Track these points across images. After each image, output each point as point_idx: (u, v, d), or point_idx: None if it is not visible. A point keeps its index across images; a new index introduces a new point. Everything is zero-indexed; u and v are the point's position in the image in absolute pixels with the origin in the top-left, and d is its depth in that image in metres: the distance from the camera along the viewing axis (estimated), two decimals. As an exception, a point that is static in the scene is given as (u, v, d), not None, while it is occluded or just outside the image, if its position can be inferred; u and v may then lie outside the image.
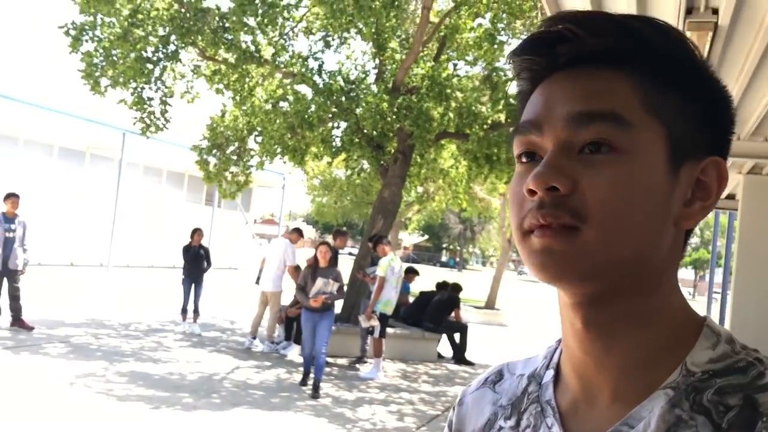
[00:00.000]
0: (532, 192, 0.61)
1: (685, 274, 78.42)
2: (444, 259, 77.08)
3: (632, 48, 0.63)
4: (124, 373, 7.66)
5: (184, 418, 6.25)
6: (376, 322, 9.15)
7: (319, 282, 7.61)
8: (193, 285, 10.84)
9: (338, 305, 9.57)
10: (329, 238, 10.89)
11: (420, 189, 17.72)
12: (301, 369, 8.98)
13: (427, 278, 17.63)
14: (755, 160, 6.82)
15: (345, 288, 7.95)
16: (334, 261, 9.68)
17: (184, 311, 10.87)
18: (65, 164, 20.85)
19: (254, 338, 10.10)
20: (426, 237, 74.31)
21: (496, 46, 10.51)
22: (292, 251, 10.10)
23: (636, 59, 0.63)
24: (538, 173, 0.60)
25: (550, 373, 0.73)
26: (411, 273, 12.50)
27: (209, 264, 11.17)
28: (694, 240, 66.73)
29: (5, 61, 17.32)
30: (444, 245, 75.34)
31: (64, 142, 20.71)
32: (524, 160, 0.66)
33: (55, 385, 6.81)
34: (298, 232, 10.74)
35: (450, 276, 43.02)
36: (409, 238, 72.88)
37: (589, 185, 0.60)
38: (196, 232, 11.20)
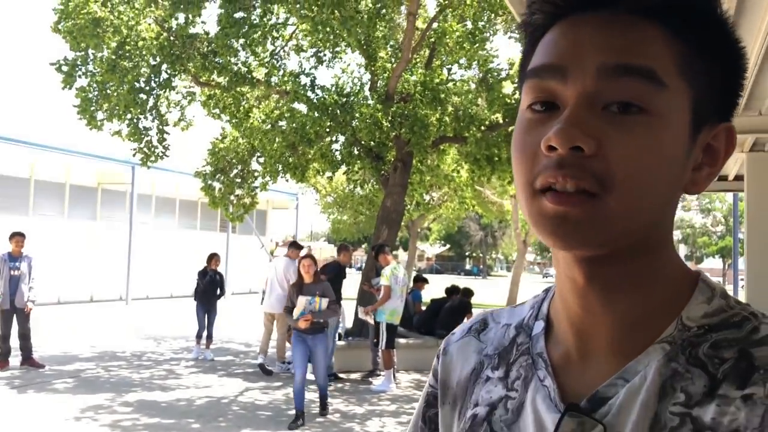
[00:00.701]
0: (551, 148, 0.57)
1: (713, 263, 77.16)
2: (468, 267, 76.70)
3: (666, 3, 0.59)
4: (131, 403, 7.61)
5: (187, 444, 6.17)
6: (370, 320, 9.05)
7: (302, 300, 6.81)
8: (206, 312, 10.76)
9: (336, 321, 9.43)
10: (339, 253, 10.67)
11: (426, 197, 17.62)
12: (312, 387, 8.90)
13: (454, 284, 17.43)
14: (755, 135, 6.63)
15: (338, 305, 7.11)
16: (338, 273, 9.63)
17: (199, 336, 10.80)
18: (78, 201, 21.06)
19: (266, 355, 10.01)
20: (447, 246, 73.99)
21: (477, 45, 10.41)
22: (293, 269, 9.95)
23: (672, 13, 0.59)
24: (563, 130, 0.56)
25: (540, 324, 0.71)
26: (420, 281, 12.36)
27: (223, 291, 11.12)
28: (719, 228, 65.69)
29: (9, 106, 17.60)
30: (467, 253, 74.93)
31: (75, 180, 20.94)
32: (538, 108, 0.61)
33: (60, 420, 6.78)
34: (295, 246, 10.47)
35: (474, 283, 42.72)
36: (431, 248, 72.65)
37: (616, 149, 0.56)
38: (214, 258, 11.14)
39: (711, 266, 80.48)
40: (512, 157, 0.63)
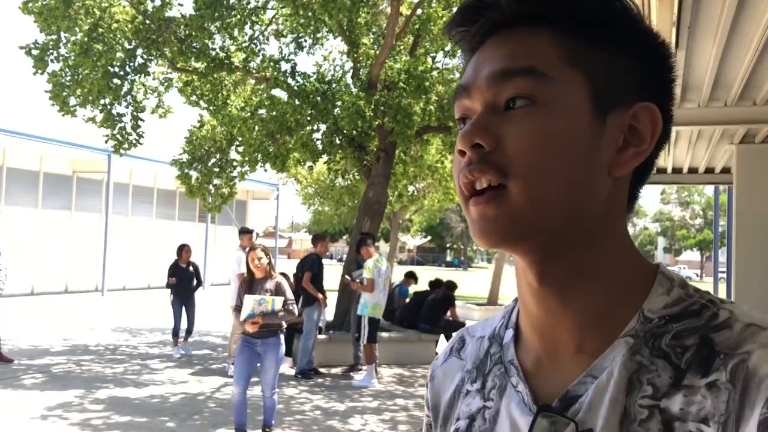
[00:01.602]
0: (462, 152, 0.63)
1: (691, 255, 77.90)
2: (449, 258, 76.73)
3: (555, 8, 0.64)
4: (102, 400, 7.32)
5: (160, 444, 5.91)
6: (353, 284, 8.89)
7: (249, 300, 5.72)
8: (183, 306, 10.25)
9: (317, 315, 9.11)
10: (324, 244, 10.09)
11: (410, 188, 17.36)
12: (292, 382, 8.67)
13: (437, 277, 17.28)
14: (747, 126, 6.49)
15: (294, 305, 5.92)
16: (320, 266, 9.25)
17: (175, 334, 10.23)
18: (52, 190, 20.55)
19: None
20: (429, 238, 73.93)
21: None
22: (235, 261, 9.00)
23: (556, 18, 0.64)
24: (464, 132, 0.63)
25: (510, 332, 0.73)
26: (410, 278, 12.13)
27: (199, 282, 10.64)
28: (698, 221, 66.25)
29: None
30: (448, 245, 74.94)
31: (48, 168, 20.43)
32: (460, 126, 0.67)
33: (25, 419, 6.47)
34: (245, 232, 9.51)
35: (455, 275, 42.74)
36: (412, 240, 72.57)
37: (510, 139, 0.61)
38: (184, 249, 10.55)
39: (690, 258, 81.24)
40: None
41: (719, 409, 0.56)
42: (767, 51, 4.35)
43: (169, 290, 10.42)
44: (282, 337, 5.95)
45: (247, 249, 6.19)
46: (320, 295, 9.05)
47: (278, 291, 5.87)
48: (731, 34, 4.02)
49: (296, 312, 5.90)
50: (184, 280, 10.31)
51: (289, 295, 5.89)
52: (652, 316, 0.63)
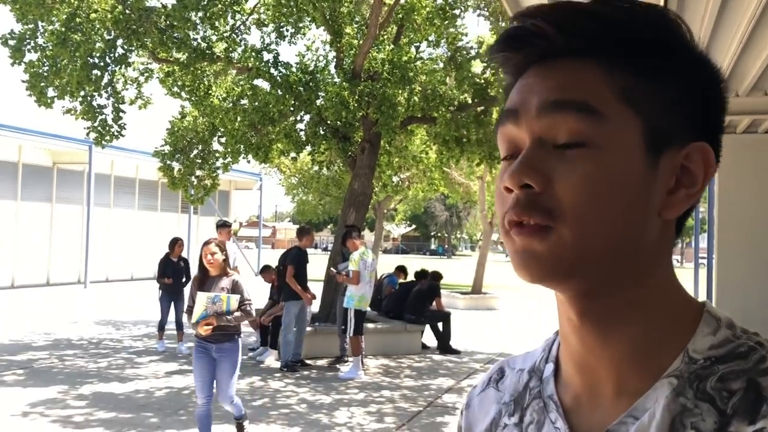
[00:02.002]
0: (508, 189, 0.61)
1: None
2: (433, 247, 76.92)
3: (602, 38, 0.62)
4: (85, 395, 7.25)
5: (145, 440, 5.86)
6: (339, 277, 8.83)
7: (202, 299, 5.12)
8: (172, 301, 9.99)
9: (298, 308, 9.02)
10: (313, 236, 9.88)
11: (395, 178, 17.34)
12: (278, 375, 8.64)
13: (416, 268, 17.32)
14: (729, 117, 6.52)
15: (251, 305, 5.33)
16: (300, 260, 9.13)
17: (161, 328, 10.04)
18: (32, 182, 20.27)
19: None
20: (413, 227, 74.04)
21: (447, 21, 10.13)
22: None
23: (606, 49, 0.62)
24: (513, 170, 0.61)
25: (550, 366, 0.72)
26: (400, 271, 12.08)
27: (188, 278, 10.29)
28: (679, 208, 66.79)
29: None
30: (432, 233, 75.10)
31: (28, 159, 20.14)
32: (506, 157, 0.65)
33: (5, 416, 6.39)
34: (221, 226, 9.22)
35: (440, 263, 42.82)
36: (397, 229, 72.64)
37: (561, 182, 0.60)
38: (177, 243, 10.26)
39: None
40: None
41: None
42: (751, 44, 4.35)
43: (157, 284, 10.21)
44: (240, 341, 5.38)
45: (203, 244, 5.48)
46: (308, 294, 8.97)
47: (234, 289, 5.25)
48: (717, 23, 4.00)
49: (254, 313, 5.35)
50: (175, 275, 10.09)
51: (247, 295, 5.28)
52: (697, 357, 0.61)
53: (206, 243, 5.38)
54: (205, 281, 5.31)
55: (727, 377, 0.59)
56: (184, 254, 10.47)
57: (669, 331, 0.63)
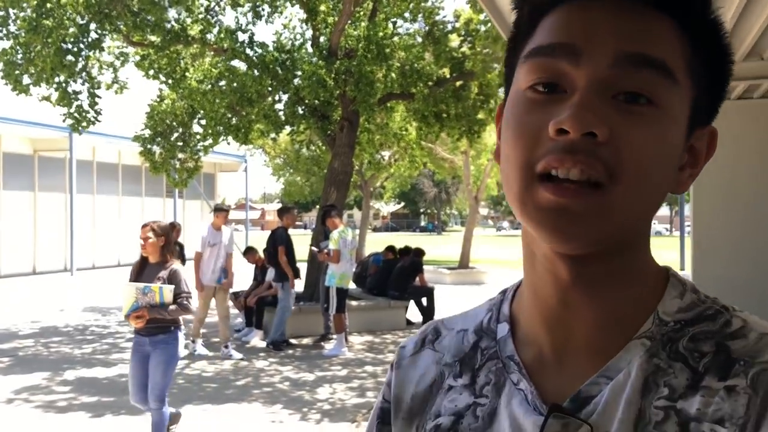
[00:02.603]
0: (561, 131, 0.55)
1: (661, 211, 79.18)
2: (423, 224, 77.06)
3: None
4: (70, 381, 7.29)
5: (128, 423, 5.92)
6: (320, 255, 8.90)
7: (130, 289, 4.66)
8: None
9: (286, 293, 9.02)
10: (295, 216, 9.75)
11: (377, 156, 17.33)
12: (262, 354, 8.71)
13: (406, 245, 17.41)
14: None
15: (189, 299, 4.77)
16: (289, 240, 9.17)
17: None
18: (13, 170, 20.12)
19: (194, 341, 8.63)
20: (402, 204, 74.09)
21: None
22: (198, 236, 8.71)
23: (680, 8, 0.59)
24: (578, 114, 0.55)
25: (504, 326, 0.70)
26: (389, 251, 12.08)
27: (183, 262, 10.30)
28: (666, 177, 67.12)
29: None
30: (421, 210, 75.18)
31: (8, 148, 19.97)
32: (541, 89, 0.59)
33: (-10, 404, 6.43)
34: (218, 210, 9.07)
35: (429, 240, 42.83)
36: (386, 207, 72.65)
37: (625, 139, 0.56)
38: (175, 228, 10.17)
39: (659, 213, 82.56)
40: (507, 136, 0.60)
41: (738, 412, 0.56)
42: (751, 5, 4.25)
43: None
44: (179, 334, 4.84)
45: (142, 226, 4.97)
46: (291, 274, 8.99)
47: (171, 280, 4.72)
48: None
49: (191, 307, 4.79)
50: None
51: (185, 286, 4.74)
52: (667, 319, 0.62)
53: (143, 225, 4.90)
54: (143, 269, 4.84)
55: (698, 338, 0.61)
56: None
57: (642, 295, 0.64)
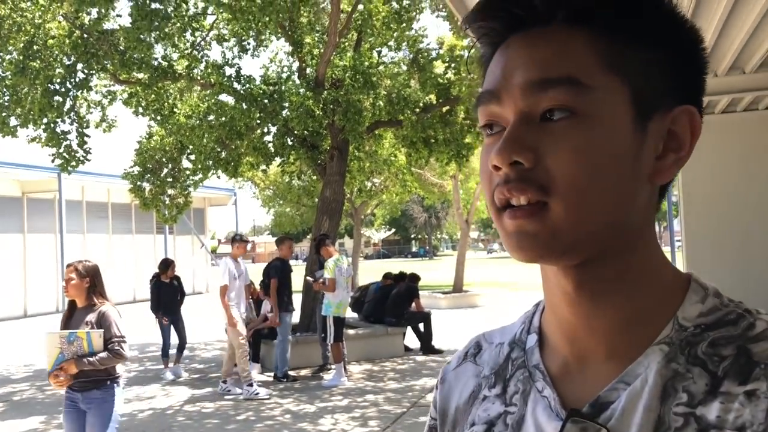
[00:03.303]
0: (496, 167, 0.60)
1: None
2: (414, 249, 77.03)
3: (585, 4, 0.61)
4: (67, 424, 7.18)
5: (129, 463, 5.83)
6: (316, 285, 8.84)
7: (53, 339, 4.06)
8: (171, 323, 9.59)
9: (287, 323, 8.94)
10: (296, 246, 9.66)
11: (368, 183, 17.39)
12: (261, 388, 8.62)
13: (398, 271, 17.35)
14: (707, 98, 6.61)
15: (122, 344, 4.10)
16: (284, 271, 9.13)
17: (165, 355, 9.54)
18: (2, 213, 20.01)
19: (250, 384, 8.22)
20: (393, 231, 74.11)
21: (404, 25, 10.22)
22: (223, 269, 8.37)
23: (591, 15, 0.60)
24: (501, 148, 0.60)
25: (533, 337, 0.72)
26: (386, 278, 12.02)
27: (183, 296, 10.01)
28: (653, 192, 67.49)
29: None
30: (412, 236, 75.20)
31: (-3, 191, 19.90)
32: (488, 132, 0.64)
33: (-12, 450, 6.33)
34: (239, 241, 8.77)
35: (422, 265, 42.81)
36: (377, 234, 72.65)
37: (551, 155, 0.59)
38: (171, 265, 9.89)
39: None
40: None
41: (758, 418, 0.55)
42: (731, 21, 4.34)
43: (152, 310, 9.76)
44: (116, 389, 4.19)
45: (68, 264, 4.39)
46: (276, 317, 8.76)
47: (100, 323, 4.12)
48: (698, 1, 4.00)
49: (125, 353, 4.13)
50: (170, 296, 9.70)
51: (116, 330, 4.12)
52: (686, 324, 0.62)
53: (68, 266, 4.33)
54: (72, 315, 4.27)
55: (718, 342, 0.60)
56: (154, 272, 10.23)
57: (658, 299, 0.64)
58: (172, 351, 9.67)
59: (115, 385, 4.21)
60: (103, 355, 4.01)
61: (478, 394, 0.74)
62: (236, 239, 8.85)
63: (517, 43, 0.62)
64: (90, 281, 4.22)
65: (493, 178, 0.62)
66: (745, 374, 0.58)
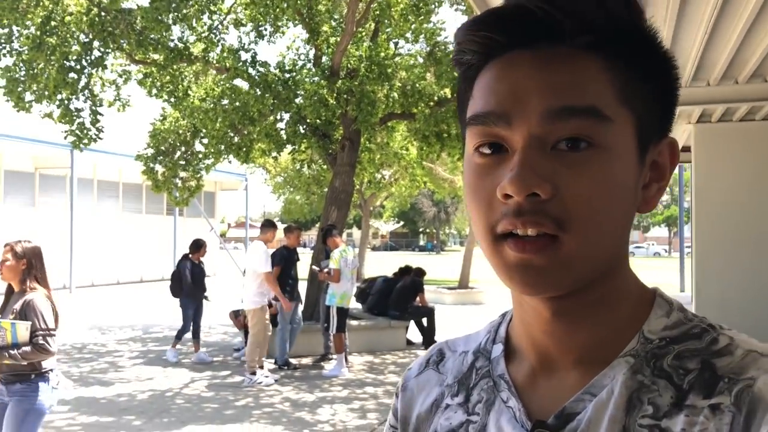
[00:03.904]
0: (508, 196, 0.57)
1: (659, 231, 79.13)
2: (422, 243, 76.99)
3: (606, 32, 0.58)
4: (68, 401, 7.20)
5: (126, 443, 5.85)
6: (321, 275, 8.82)
7: None
8: (197, 307, 9.47)
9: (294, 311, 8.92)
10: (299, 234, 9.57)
11: (378, 175, 17.35)
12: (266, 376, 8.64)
13: (404, 264, 17.34)
14: (702, 107, 6.57)
15: (46, 337, 3.72)
16: (288, 259, 9.09)
17: (179, 338, 9.41)
18: (13, 187, 20.12)
19: (253, 373, 8.18)
20: (401, 223, 74.07)
21: (422, 17, 10.14)
22: (261, 255, 8.41)
23: (610, 42, 0.58)
24: (518, 177, 0.56)
25: (499, 347, 0.71)
26: (404, 274, 11.91)
27: (203, 287, 9.84)
28: (665, 198, 67.31)
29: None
30: (421, 230, 75.15)
31: (9, 165, 19.99)
32: (486, 151, 0.60)
33: (-13, 423, 6.36)
34: (269, 225, 8.71)
35: (429, 259, 42.79)
36: (385, 226, 72.63)
37: (570, 189, 0.56)
38: (202, 247, 9.73)
39: (657, 234, 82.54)
40: (468, 201, 0.62)
41: (722, 431, 0.56)
42: (717, 31, 4.38)
43: (174, 292, 9.63)
44: (41, 385, 3.78)
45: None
46: (284, 300, 8.72)
47: (25, 313, 3.74)
48: (680, 14, 4.04)
49: (50, 348, 3.73)
50: (199, 278, 9.59)
51: (41, 321, 3.74)
52: (652, 337, 0.62)
53: (5, 245, 4.01)
54: (8, 301, 3.92)
55: (683, 355, 0.61)
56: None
57: (627, 316, 0.64)
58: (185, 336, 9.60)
59: (41, 380, 3.79)
60: (27, 348, 3.67)
61: (441, 402, 0.73)
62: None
63: (526, 61, 0.59)
64: (27, 264, 3.87)
65: (496, 205, 0.58)
66: (709, 388, 0.58)
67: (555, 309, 0.62)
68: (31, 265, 3.88)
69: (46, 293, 3.88)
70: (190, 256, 9.74)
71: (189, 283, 9.49)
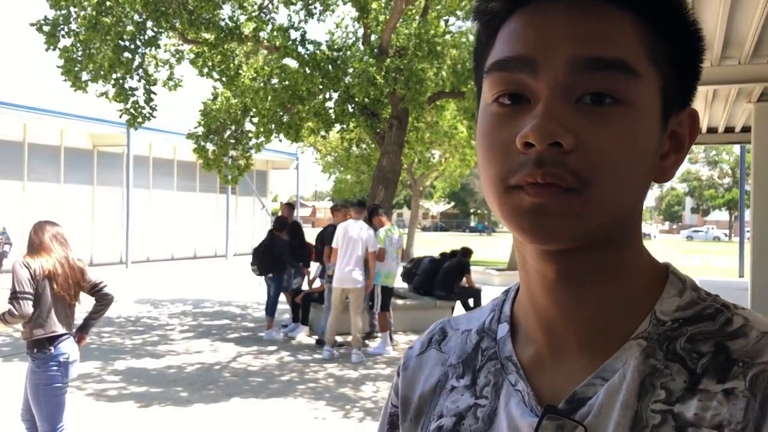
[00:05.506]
0: (528, 144, 0.55)
1: (719, 215, 76.71)
2: (473, 224, 76.56)
3: None
4: (120, 371, 7.46)
5: (174, 414, 6.01)
6: (377, 297, 8.79)
7: None
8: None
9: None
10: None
11: (427, 154, 17.24)
12: (307, 350, 8.75)
13: (454, 245, 17.26)
14: (763, 85, 6.30)
15: (14, 301, 3.73)
16: (328, 246, 9.15)
17: (271, 314, 9.47)
18: (73, 165, 20.79)
19: (333, 346, 8.49)
20: (452, 204, 73.74)
21: (472, -8, 9.93)
22: (372, 234, 8.46)
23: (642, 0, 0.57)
24: (541, 125, 0.54)
25: (505, 327, 0.70)
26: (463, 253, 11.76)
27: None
28: (726, 180, 65.09)
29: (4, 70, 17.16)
30: (471, 210, 74.69)
31: (69, 143, 20.64)
32: (506, 101, 0.58)
33: (44, 390, 6.62)
34: (359, 205, 8.81)
35: (479, 241, 42.47)
36: (436, 206, 72.44)
37: (593, 143, 0.55)
38: (287, 225, 9.86)
39: (718, 218, 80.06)
40: (479, 152, 0.60)
41: (736, 417, 0.55)
42: None
43: (261, 268, 9.64)
44: (46, 359, 3.85)
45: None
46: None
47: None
48: None
49: (16, 309, 3.73)
50: (282, 253, 9.62)
51: (18, 286, 3.73)
52: (664, 319, 0.61)
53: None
54: None
55: (696, 338, 0.59)
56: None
57: (638, 292, 0.62)
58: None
59: (43, 354, 3.83)
60: (9, 314, 3.75)
61: (445, 383, 0.71)
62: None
63: (556, 10, 0.57)
64: (29, 242, 4.05)
65: (513, 155, 0.56)
66: (723, 372, 0.57)
67: (560, 269, 0.60)
68: (30, 242, 4.04)
69: (28, 261, 3.90)
70: (275, 233, 9.84)
71: (282, 258, 9.61)
